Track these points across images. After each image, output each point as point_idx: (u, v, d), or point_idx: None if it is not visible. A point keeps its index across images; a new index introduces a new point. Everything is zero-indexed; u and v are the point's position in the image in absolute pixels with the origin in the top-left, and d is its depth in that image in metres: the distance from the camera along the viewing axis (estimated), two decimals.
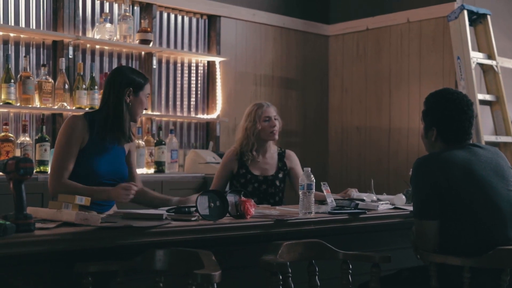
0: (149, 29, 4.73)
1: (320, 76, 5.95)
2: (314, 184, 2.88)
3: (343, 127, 5.87)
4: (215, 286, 2.04)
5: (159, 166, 4.58)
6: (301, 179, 2.86)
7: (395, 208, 3.28)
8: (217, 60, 5.17)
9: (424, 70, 5.29)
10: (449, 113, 2.71)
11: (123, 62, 4.69)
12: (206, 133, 5.21)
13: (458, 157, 2.62)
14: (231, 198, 2.65)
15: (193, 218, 2.51)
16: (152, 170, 4.57)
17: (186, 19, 5.10)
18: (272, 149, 3.81)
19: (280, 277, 2.38)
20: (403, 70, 5.44)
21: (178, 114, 5.04)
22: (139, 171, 4.42)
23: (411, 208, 3.23)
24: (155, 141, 4.62)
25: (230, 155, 3.74)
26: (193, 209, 2.57)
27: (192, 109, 5.14)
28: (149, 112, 4.76)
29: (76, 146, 2.85)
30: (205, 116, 5.19)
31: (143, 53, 4.82)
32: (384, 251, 3.13)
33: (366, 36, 5.68)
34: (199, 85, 5.18)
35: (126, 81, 2.94)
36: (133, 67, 4.78)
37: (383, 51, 5.58)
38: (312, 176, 2.88)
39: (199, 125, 5.19)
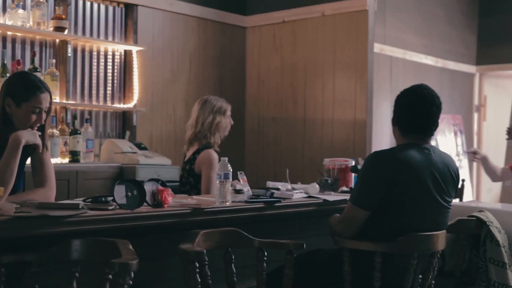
0: (63, 16, 4.63)
1: (237, 67, 6.01)
2: (231, 173, 2.93)
3: (259, 117, 5.95)
4: (133, 275, 2.06)
5: (74, 156, 4.51)
6: (219, 169, 2.91)
7: (309, 196, 3.38)
8: (134, 49, 5.12)
9: (338, 62, 5.44)
10: (409, 110, 2.76)
11: (37, 50, 4.57)
12: (123, 123, 5.16)
13: (411, 158, 2.67)
14: (148, 187, 2.66)
15: (110, 207, 2.50)
16: (66, 160, 4.49)
17: (102, 7, 5.02)
18: None
19: (197, 265, 2.42)
20: (318, 62, 5.57)
21: (94, 103, 4.97)
22: (52, 160, 4.33)
23: (324, 197, 3.36)
24: (70, 130, 4.54)
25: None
26: (111, 198, 2.57)
27: (108, 98, 5.08)
28: (64, 100, 4.66)
29: None
30: (122, 106, 5.14)
31: (57, 40, 4.71)
32: (299, 238, 3.22)
33: (282, 29, 5.78)
34: (115, 74, 5.12)
35: (6, 90, 2.74)
36: (47, 54, 4.67)
37: (299, 43, 5.69)
38: (229, 165, 2.92)
39: (116, 114, 5.14)
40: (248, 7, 6.02)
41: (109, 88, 5.08)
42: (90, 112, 4.93)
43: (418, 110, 2.76)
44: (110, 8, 5.08)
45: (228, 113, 3.98)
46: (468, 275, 3.31)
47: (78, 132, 4.54)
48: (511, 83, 8.78)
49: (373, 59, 5.33)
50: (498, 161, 8.54)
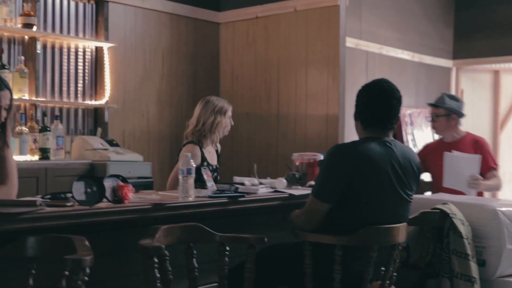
0: (32, 12, 4.60)
1: (211, 63, 6.00)
2: (194, 169, 2.94)
3: (233, 113, 5.91)
4: (87, 271, 2.06)
5: (44, 153, 4.48)
6: (181, 164, 2.91)
7: (275, 191, 3.39)
8: (105, 45, 5.10)
9: (310, 58, 5.45)
10: (370, 104, 2.79)
11: (5, 47, 4.54)
12: (95, 120, 5.15)
13: (373, 151, 2.69)
14: (108, 183, 2.66)
15: (68, 204, 2.50)
16: (36, 157, 4.47)
17: (72, 3, 4.99)
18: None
19: (156, 260, 2.43)
20: (291, 58, 5.58)
21: (65, 100, 4.95)
22: (21, 158, 4.32)
23: (290, 191, 3.37)
24: (40, 127, 4.52)
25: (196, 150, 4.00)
26: (70, 195, 2.56)
27: (79, 95, 5.06)
28: (33, 98, 4.64)
29: None
30: (93, 102, 5.12)
31: (26, 37, 4.69)
32: (265, 233, 3.23)
33: (255, 24, 5.78)
34: (86, 70, 5.09)
35: None
36: (16, 51, 4.65)
37: (271, 39, 5.70)
38: (192, 161, 2.93)
39: (87, 111, 5.12)
40: (222, 3, 6.01)
41: (80, 85, 5.06)
42: (61, 109, 4.91)
43: (379, 104, 2.79)
44: (81, 5, 5.05)
45: (229, 113, 4.19)
46: (432, 267, 3.34)
47: (48, 129, 4.52)
48: (487, 77, 8.85)
49: (345, 54, 5.35)
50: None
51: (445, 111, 4.38)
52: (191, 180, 2.90)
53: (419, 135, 7.48)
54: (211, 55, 6.00)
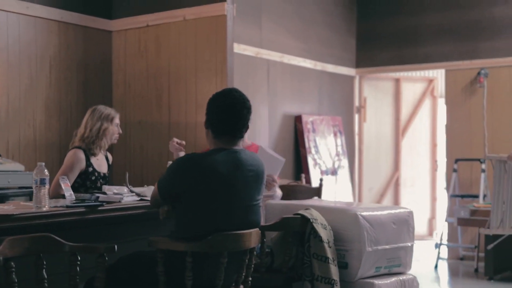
0: None
1: (103, 71, 5.95)
2: (48, 178, 2.91)
3: (126, 121, 5.91)
4: None
5: None
6: (35, 173, 2.88)
7: (142, 199, 3.40)
8: None
9: (199, 67, 5.49)
10: (221, 113, 2.85)
11: None
12: None
13: (218, 163, 2.76)
14: None
15: None
16: None
17: None
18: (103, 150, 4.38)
19: None
20: (181, 66, 5.60)
21: None
22: None
23: None
24: None
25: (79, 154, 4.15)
26: None
27: None
28: None
29: None
30: None
31: None
32: (131, 241, 3.25)
33: (146, 33, 5.78)
34: None
35: None
36: None
37: (162, 47, 5.70)
38: (45, 170, 2.90)
39: None
40: (114, 11, 5.98)
41: None
42: None
43: (230, 112, 2.85)
44: None
45: (116, 121, 4.35)
46: (295, 271, 3.42)
47: None
48: (388, 84, 9.15)
49: (233, 62, 5.42)
50: (379, 159, 8.90)
51: None
52: (45, 190, 2.88)
53: (321, 142, 7.65)
54: (104, 63, 5.94)
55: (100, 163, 4.37)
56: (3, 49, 5.10)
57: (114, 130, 4.33)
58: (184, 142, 4.15)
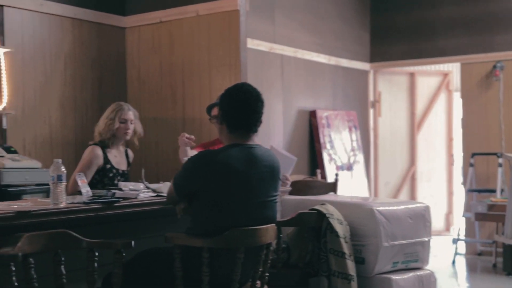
0: None
1: (117, 68, 5.96)
2: (65, 175, 2.92)
3: (141, 118, 5.87)
4: None
5: None
6: (51, 170, 2.89)
7: (158, 195, 3.40)
8: (1, 51, 5.00)
9: (213, 62, 5.48)
10: (236, 107, 2.84)
11: None
12: None
13: (233, 159, 2.75)
14: None
15: None
16: None
17: None
18: (121, 147, 4.45)
19: (13, 268, 2.41)
20: (194, 62, 5.60)
21: None
22: None
23: None
24: None
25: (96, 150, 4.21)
26: None
27: None
28: None
29: None
30: None
31: None
32: (147, 238, 3.25)
33: (160, 29, 5.78)
34: None
35: None
36: None
37: (175, 43, 5.70)
38: (62, 167, 2.91)
39: None
40: (127, 8, 5.98)
41: None
42: None
43: (245, 106, 2.84)
44: None
45: (123, 117, 4.35)
46: (312, 266, 3.41)
47: None
48: (403, 79, 9.09)
49: (247, 58, 5.40)
50: (395, 154, 8.85)
51: None
52: (61, 186, 2.88)
53: (336, 136, 7.61)
54: (117, 60, 5.95)
55: (119, 160, 4.38)
56: (18, 47, 5.12)
57: (120, 126, 4.32)
58: (193, 137, 4.15)
